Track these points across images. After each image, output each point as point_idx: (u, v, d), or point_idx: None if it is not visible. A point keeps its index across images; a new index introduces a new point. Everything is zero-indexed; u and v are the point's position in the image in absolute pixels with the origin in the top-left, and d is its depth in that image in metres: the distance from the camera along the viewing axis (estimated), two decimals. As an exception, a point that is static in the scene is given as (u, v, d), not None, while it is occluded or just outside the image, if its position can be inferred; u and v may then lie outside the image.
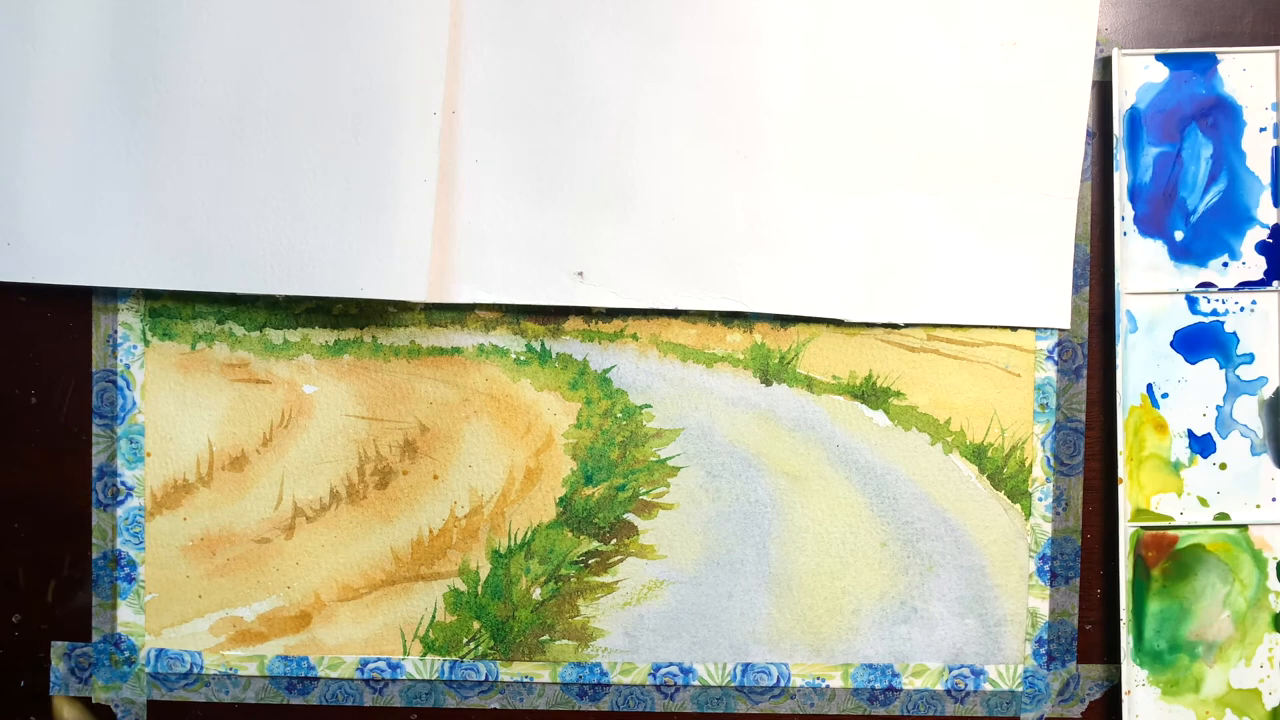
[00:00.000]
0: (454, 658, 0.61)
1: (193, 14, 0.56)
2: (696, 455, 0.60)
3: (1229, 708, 0.60)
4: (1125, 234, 0.59)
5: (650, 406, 0.60)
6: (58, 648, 0.61)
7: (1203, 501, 0.60)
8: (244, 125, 0.56)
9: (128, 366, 0.60)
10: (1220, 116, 0.59)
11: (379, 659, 0.61)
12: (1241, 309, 0.60)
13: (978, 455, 0.60)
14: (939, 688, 0.61)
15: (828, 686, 0.61)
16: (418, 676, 0.61)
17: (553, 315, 0.60)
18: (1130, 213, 0.59)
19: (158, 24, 0.56)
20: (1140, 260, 0.59)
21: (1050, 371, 0.60)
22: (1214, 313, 0.60)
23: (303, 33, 0.56)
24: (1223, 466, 0.60)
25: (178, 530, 0.61)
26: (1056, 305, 0.59)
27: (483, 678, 0.61)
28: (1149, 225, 0.59)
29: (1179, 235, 0.59)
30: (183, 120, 0.56)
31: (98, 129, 0.56)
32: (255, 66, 0.56)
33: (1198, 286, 0.59)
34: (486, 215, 0.58)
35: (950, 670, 0.61)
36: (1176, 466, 0.60)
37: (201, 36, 0.56)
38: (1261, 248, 0.59)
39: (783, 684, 0.61)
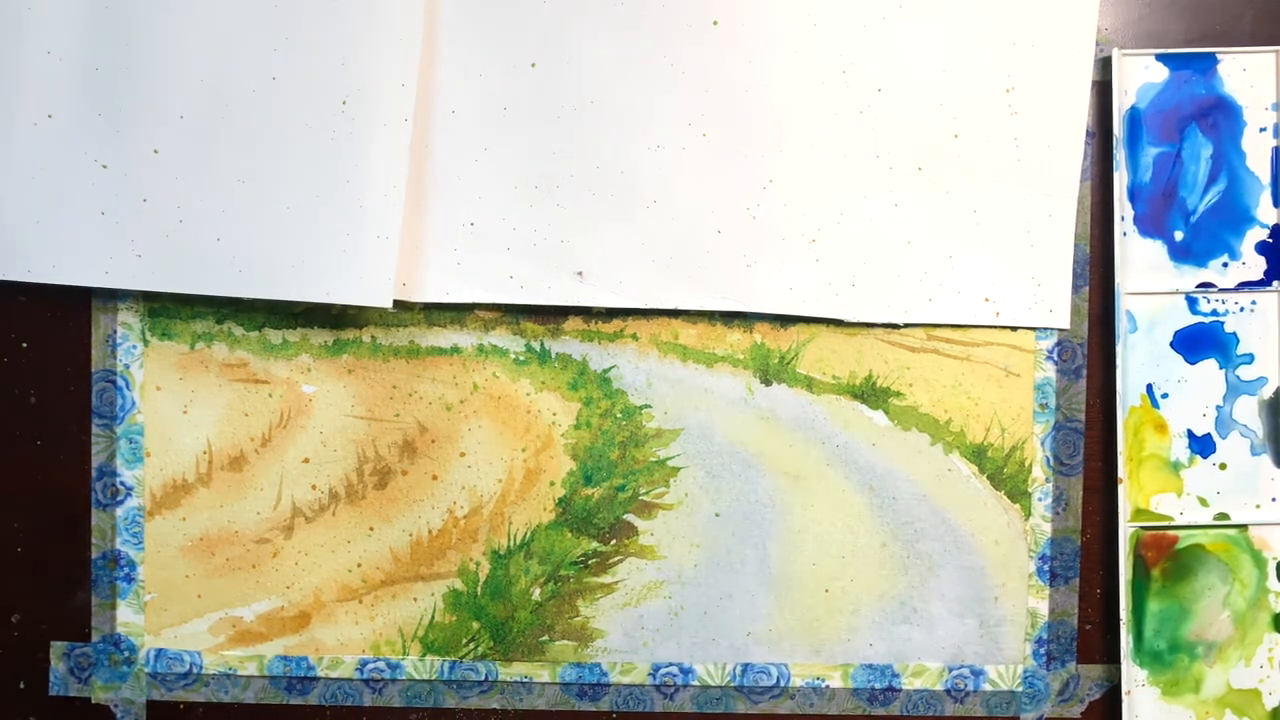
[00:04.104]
0: (453, 658, 0.61)
1: (169, 19, 0.56)
2: (696, 455, 0.60)
3: (1229, 708, 0.60)
4: (1125, 234, 0.59)
5: (650, 407, 0.60)
6: (57, 648, 0.61)
7: (1202, 501, 0.60)
8: (219, 130, 0.56)
9: (127, 366, 0.60)
10: (1220, 116, 0.59)
11: (378, 659, 0.61)
12: (1241, 309, 0.60)
13: (978, 455, 0.60)
14: (939, 688, 0.61)
15: (827, 686, 0.61)
16: (417, 677, 0.61)
17: (552, 315, 0.60)
18: (1130, 213, 0.59)
19: (133, 30, 0.56)
20: (1140, 260, 0.59)
21: (1050, 371, 0.60)
22: (1214, 313, 0.59)
23: (279, 39, 0.55)
24: (1222, 467, 0.60)
25: (177, 530, 0.61)
26: (1056, 305, 0.59)
27: (482, 678, 0.61)
28: (1149, 225, 0.59)
29: (1179, 235, 0.59)
30: (154, 122, 0.56)
31: (71, 130, 0.56)
32: (229, 67, 0.56)
33: (1197, 286, 0.59)
34: (486, 215, 0.58)
35: (950, 670, 0.61)
36: (1176, 466, 0.60)
37: (178, 40, 0.56)
38: (1261, 248, 0.59)
39: (782, 684, 0.61)
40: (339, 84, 0.55)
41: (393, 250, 0.56)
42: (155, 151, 0.56)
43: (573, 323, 0.60)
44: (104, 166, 0.56)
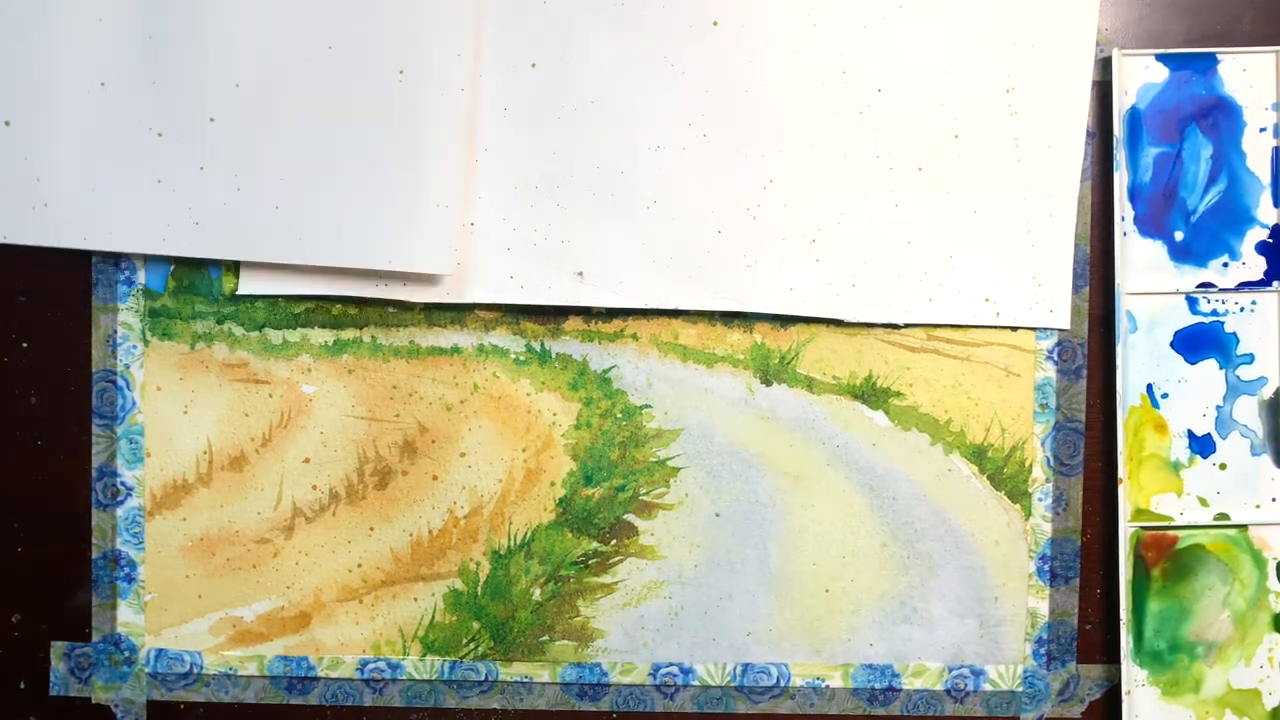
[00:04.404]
0: (454, 658, 0.61)
1: None
2: (696, 455, 0.60)
3: (1229, 708, 0.60)
4: (1125, 234, 0.59)
5: (650, 407, 0.60)
6: (58, 648, 0.61)
7: (1203, 502, 0.60)
8: (276, 99, 0.56)
9: (127, 366, 0.60)
10: (1220, 116, 0.59)
11: (379, 659, 0.61)
12: (1241, 309, 0.60)
13: (978, 455, 0.60)
14: (939, 688, 0.61)
15: (827, 686, 0.61)
16: (417, 677, 0.61)
17: (553, 315, 0.60)
18: (1130, 213, 0.59)
19: None
20: (1140, 260, 0.59)
21: (1050, 371, 0.60)
22: (1214, 313, 0.60)
23: (336, 6, 0.55)
24: (1223, 467, 0.60)
25: (177, 530, 0.61)
26: (1056, 305, 0.59)
27: (482, 678, 0.61)
28: (1149, 225, 0.59)
29: (1179, 235, 0.59)
30: (209, 90, 0.56)
31: (125, 98, 0.56)
32: (285, 35, 0.55)
33: (1198, 287, 0.59)
34: (486, 215, 0.58)
35: (950, 670, 0.61)
36: (1176, 467, 0.60)
37: (233, 7, 0.56)
38: (1261, 248, 0.59)
39: (782, 684, 0.61)
40: (396, 53, 0.55)
41: (452, 218, 0.56)
42: (211, 120, 0.56)
43: (573, 323, 0.60)
44: (159, 135, 0.56)
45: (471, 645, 0.61)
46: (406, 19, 0.55)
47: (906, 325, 0.60)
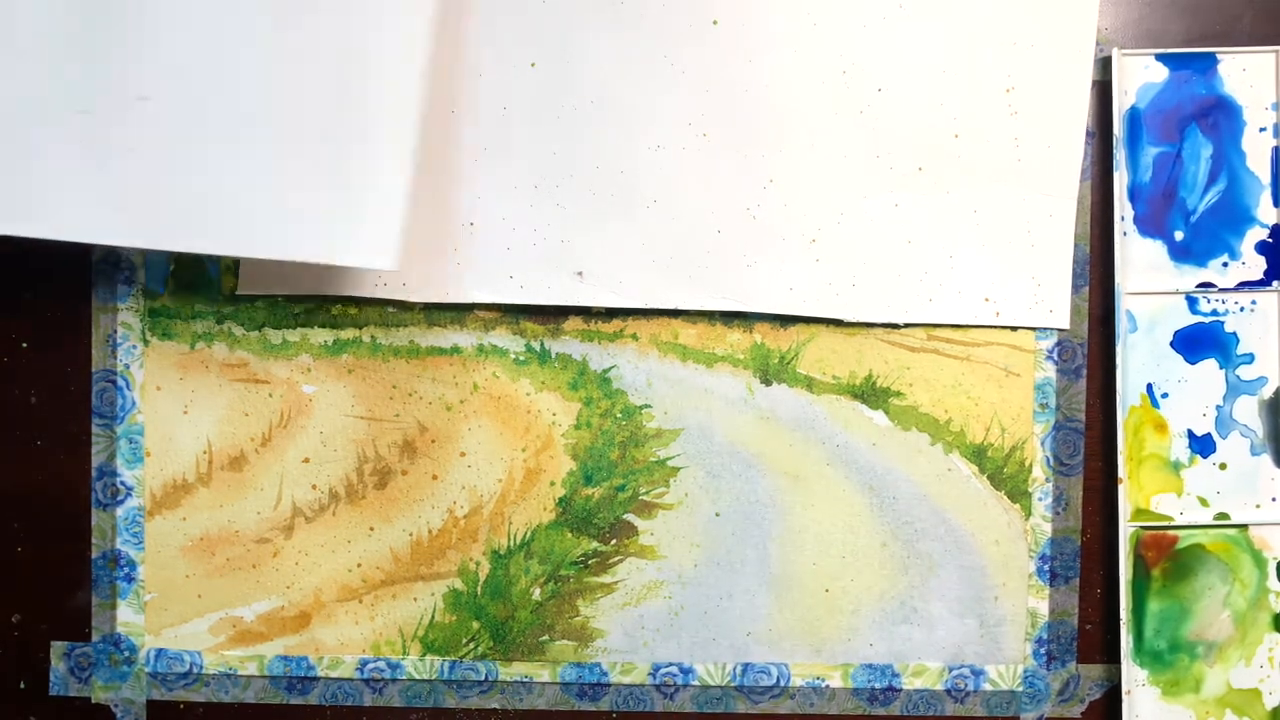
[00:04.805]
0: (453, 658, 0.61)
1: None
2: (696, 455, 0.60)
3: (1229, 708, 0.60)
4: (1125, 234, 0.59)
5: (650, 406, 0.60)
6: (57, 648, 0.61)
7: (1203, 501, 0.60)
8: (215, 78, 0.52)
9: (127, 366, 0.60)
10: (1220, 116, 0.59)
11: (378, 659, 0.61)
12: (1241, 309, 0.60)
13: (978, 455, 0.60)
14: (939, 688, 0.61)
15: (828, 686, 0.61)
16: (417, 677, 0.61)
17: (552, 315, 0.60)
18: (1130, 213, 0.59)
19: None
20: (1140, 260, 0.59)
21: (1050, 371, 0.60)
22: (1214, 313, 0.59)
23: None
24: (1223, 466, 0.60)
25: (177, 530, 0.61)
26: (1056, 305, 0.59)
27: (482, 678, 0.61)
28: (1149, 225, 0.59)
29: (1179, 235, 0.59)
30: (142, 67, 0.51)
31: (49, 73, 0.51)
32: (225, 12, 0.51)
33: (1198, 286, 0.59)
34: (486, 215, 0.58)
35: (950, 670, 0.61)
36: (1176, 466, 0.60)
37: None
38: (1261, 248, 0.59)
39: (782, 684, 0.61)
40: (344, 32, 0.52)
41: (399, 211, 0.52)
42: (142, 99, 0.52)
43: (573, 323, 0.60)
44: (84, 113, 0.51)
45: (471, 645, 0.61)
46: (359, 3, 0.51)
47: (906, 325, 0.60)
